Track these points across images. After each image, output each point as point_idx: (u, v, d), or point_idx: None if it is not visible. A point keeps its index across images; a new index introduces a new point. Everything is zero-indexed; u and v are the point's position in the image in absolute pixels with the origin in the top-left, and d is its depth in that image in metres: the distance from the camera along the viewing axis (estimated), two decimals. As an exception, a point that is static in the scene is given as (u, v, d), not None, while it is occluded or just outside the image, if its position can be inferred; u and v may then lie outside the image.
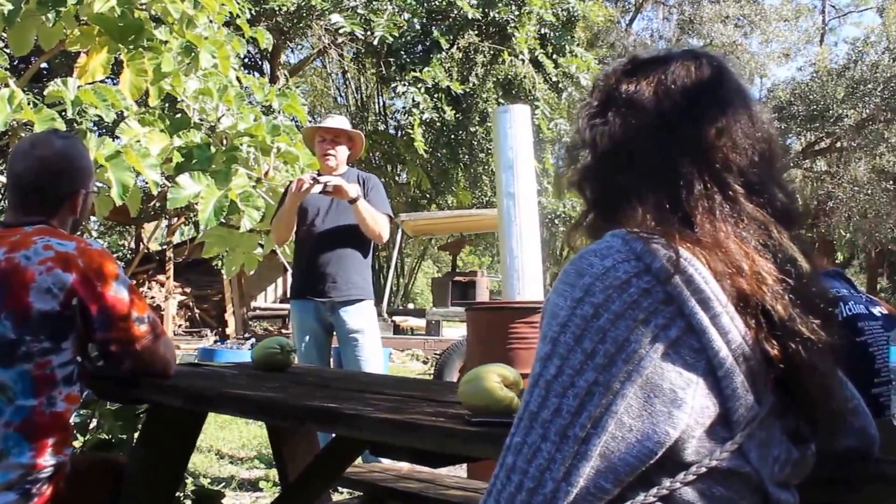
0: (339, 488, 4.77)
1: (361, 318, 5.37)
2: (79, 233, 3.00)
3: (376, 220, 5.21)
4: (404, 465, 4.25)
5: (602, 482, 1.18)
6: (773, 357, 1.24)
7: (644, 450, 1.18)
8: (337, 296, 5.29)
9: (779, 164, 1.42)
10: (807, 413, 1.32)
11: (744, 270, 1.25)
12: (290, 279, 18.98)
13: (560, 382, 1.21)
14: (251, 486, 5.67)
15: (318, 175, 5.14)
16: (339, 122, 5.70)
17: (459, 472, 5.43)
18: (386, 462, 4.63)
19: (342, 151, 5.50)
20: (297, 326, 5.45)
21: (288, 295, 20.39)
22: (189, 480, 4.50)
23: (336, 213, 5.36)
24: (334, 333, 5.46)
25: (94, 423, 3.84)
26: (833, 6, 35.23)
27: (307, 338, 5.38)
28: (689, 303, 1.21)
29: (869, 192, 26.34)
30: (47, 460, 2.54)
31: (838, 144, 27.00)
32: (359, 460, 4.67)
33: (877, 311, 2.79)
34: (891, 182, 26.40)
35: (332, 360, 5.50)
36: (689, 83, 1.40)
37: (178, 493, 3.53)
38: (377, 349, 5.46)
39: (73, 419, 2.72)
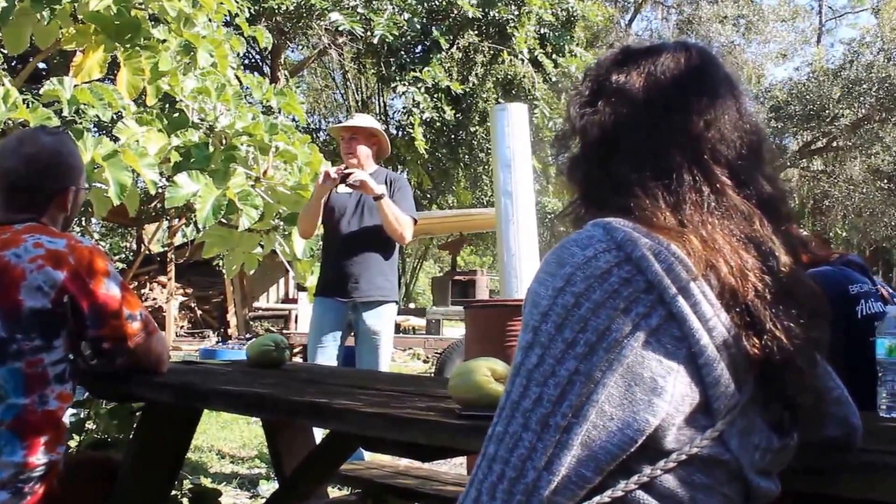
0: (339, 485, 4.78)
1: (382, 321, 5.40)
2: (79, 233, 2.99)
3: (399, 220, 5.21)
4: (402, 462, 4.26)
5: (583, 470, 1.18)
6: (751, 351, 1.25)
7: (625, 438, 1.18)
8: (359, 296, 5.31)
9: (766, 155, 1.42)
10: (787, 404, 1.32)
11: (729, 264, 1.26)
12: (291, 280, 18.89)
13: (541, 372, 1.21)
14: (251, 484, 5.67)
15: (345, 170, 5.16)
16: (359, 120, 5.70)
17: (460, 469, 5.44)
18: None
19: (363, 149, 5.48)
20: (316, 322, 5.45)
21: (290, 295, 20.52)
22: (187, 479, 4.50)
23: (362, 213, 5.37)
24: (351, 333, 5.48)
25: (90, 423, 3.84)
26: (830, 7, 35.41)
27: (324, 335, 5.39)
28: (670, 291, 1.21)
29: (864, 190, 26.66)
30: (39, 459, 2.53)
31: (834, 144, 27.19)
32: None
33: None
34: (885, 181, 26.69)
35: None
36: (678, 75, 1.40)
37: (174, 492, 3.52)
38: (390, 351, 5.52)
39: (67, 418, 2.72)
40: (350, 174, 5.10)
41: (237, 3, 6.08)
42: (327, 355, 5.34)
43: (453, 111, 14.91)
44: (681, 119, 1.37)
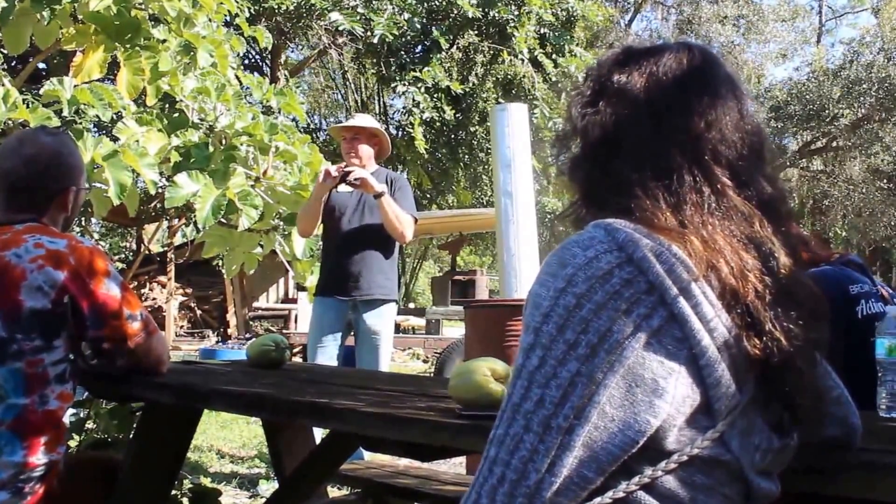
0: (338, 485, 4.78)
1: (382, 320, 5.41)
2: (79, 233, 2.99)
3: (399, 219, 5.23)
4: (401, 461, 4.26)
5: (585, 472, 1.19)
6: (751, 352, 1.25)
7: (626, 439, 1.19)
8: (360, 295, 5.33)
9: (767, 156, 1.42)
10: (787, 404, 1.32)
11: (730, 265, 1.26)
12: (291, 280, 18.86)
13: (543, 373, 1.21)
14: (251, 483, 5.68)
15: (346, 168, 5.17)
16: (361, 120, 5.71)
17: (459, 469, 5.45)
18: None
19: (365, 149, 5.50)
20: (316, 322, 5.46)
21: (289, 295, 20.53)
22: (187, 479, 4.50)
23: (363, 212, 5.38)
24: (351, 332, 5.49)
25: (90, 423, 3.84)
26: (829, 7, 35.54)
27: (324, 335, 5.39)
28: (671, 292, 1.21)
29: (863, 190, 26.82)
30: (39, 459, 2.53)
31: (834, 144, 27.31)
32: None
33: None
34: (885, 181, 26.84)
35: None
36: (679, 75, 1.40)
37: (174, 492, 3.53)
38: (389, 350, 5.54)
39: (67, 418, 2.72)
40: (350, 172, 5.11)
41: (237, 3, 6.09)
42: (327, 355, 5.35)
43: (453, 111, 14.91)
44: (682, 119, 1.37)
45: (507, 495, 1.19)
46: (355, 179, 5.09)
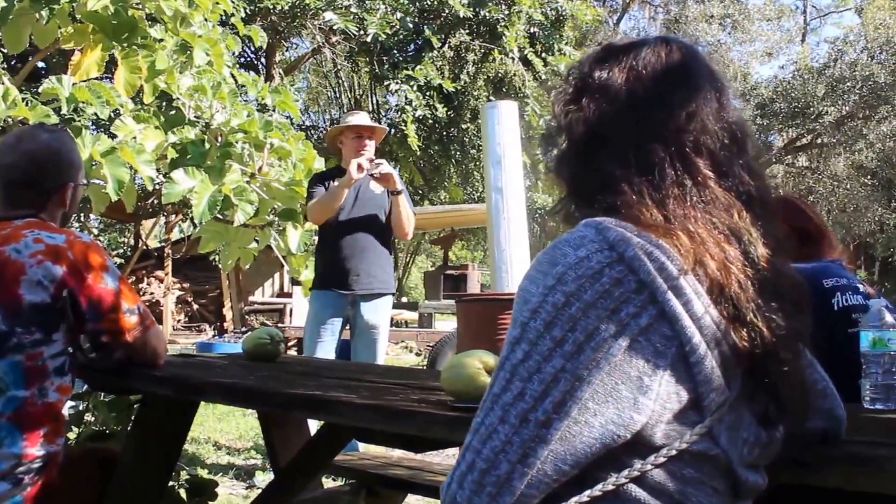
0: (333, 476, 4.82)
1: (380, 314, 5.45)
2: (78, 229, 3.02)
3: (409, 217, 5.29)
4: (395, 453, 4.31)
5: (561, 465, 1.20)
6: (739, 344, 1.26)
7: (607, 433, 1.20)
8: (360, 289, 5.36)
9: (749, 147, 1.43)
10: (773, 397, 1.33)
11: (714, 258, 1.27)
12: (286, 274, 18.85)
13: (526, 367, 1.23)
14: (247, 475, 5.71)
15: (370, 160, 5.23)
16: (365, 118, 5.76)
17: (451, 460, 5.50)
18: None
19: (373, 146, 5.55)
20: (314, 316, 5.48)
21: (284, 289, 20.52)
22: (184, 470, 4.55)
23: (360, 206, 5.42)
24: (347, 326, 5.54)
25: (88, 415, 3.87)
26: (814, 6, 35.76)
27: (321, 329, 5.42)
28: (662, 289, 1.22)
29: (848, 186, 26.99)
30: (39, 450, 2.55)
31: (819, 141, 27.39)
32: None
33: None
34: (869, 177, 26.98)
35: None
36: (659, 68, 1.42)
37: (172, 483, 3.56)
38: (385, 344, 5.59)
39: (66, 410, 2.74)
40: (378, 162, 5.18)
41: (233, 2, 6.14)
42: (325, 349, 5.37)
43: (445, 109, 14.92)
44: (662, 112, 1.38)
45: (475, 483, 1.21)
46: (378, 173, 5.16)
